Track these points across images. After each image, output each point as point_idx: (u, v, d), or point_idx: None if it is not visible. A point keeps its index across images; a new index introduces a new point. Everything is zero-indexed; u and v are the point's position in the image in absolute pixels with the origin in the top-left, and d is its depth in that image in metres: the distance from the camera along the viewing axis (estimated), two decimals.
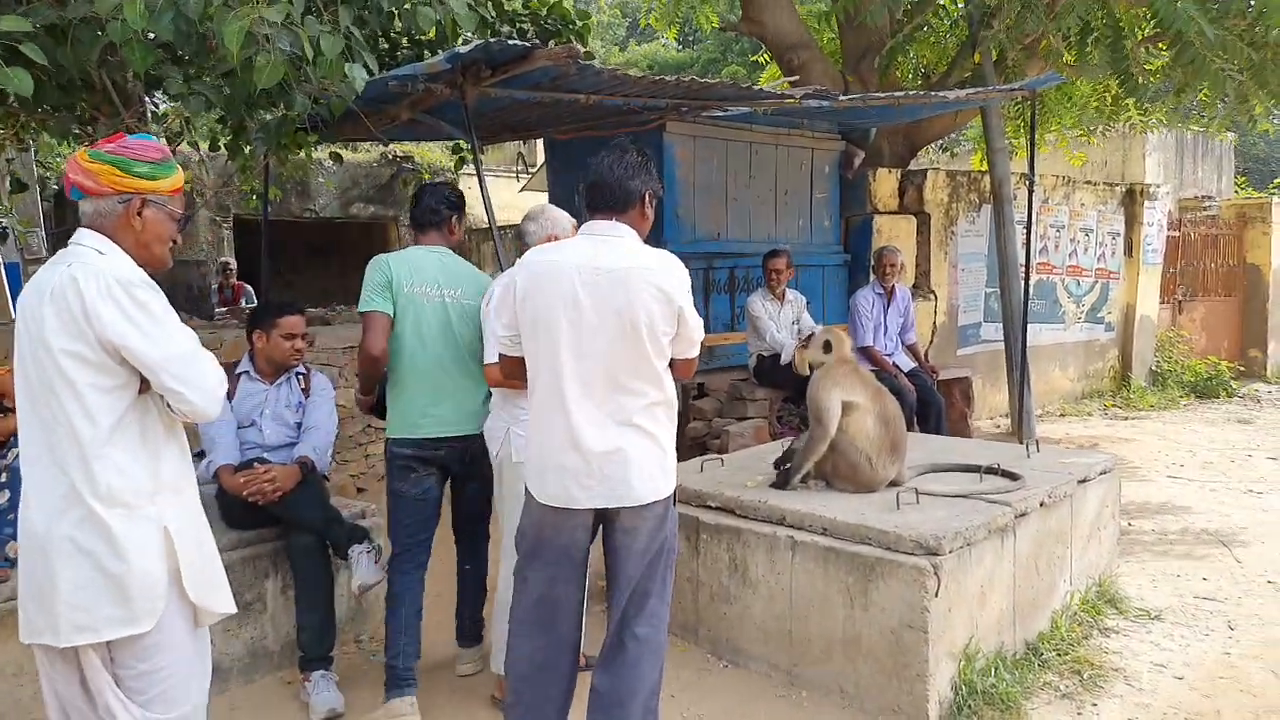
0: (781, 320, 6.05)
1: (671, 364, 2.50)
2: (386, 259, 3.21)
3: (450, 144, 6.94)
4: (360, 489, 5.69)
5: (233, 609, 2.18)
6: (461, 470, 3.27)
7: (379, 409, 3.32)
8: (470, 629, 3.45)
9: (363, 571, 3.20)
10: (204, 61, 3.78)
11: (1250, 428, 8.57)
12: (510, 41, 3.87)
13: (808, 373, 3.70)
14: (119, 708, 2.00)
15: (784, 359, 5.76)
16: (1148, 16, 6.67)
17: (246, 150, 5.06)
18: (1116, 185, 10.40)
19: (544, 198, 7.35)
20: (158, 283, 2.01)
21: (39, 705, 2.11)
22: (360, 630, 3.77)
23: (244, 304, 8.80)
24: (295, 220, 10.99)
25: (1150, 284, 10.62)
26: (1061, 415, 9.22)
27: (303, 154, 5.41)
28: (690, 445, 6.15)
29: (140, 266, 2.01)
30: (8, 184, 5.97)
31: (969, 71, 7.86)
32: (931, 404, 6.08)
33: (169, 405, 1.99)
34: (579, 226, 2.63)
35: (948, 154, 14.28)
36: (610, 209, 2.49)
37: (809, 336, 3.78)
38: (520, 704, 2.51)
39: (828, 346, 3.64)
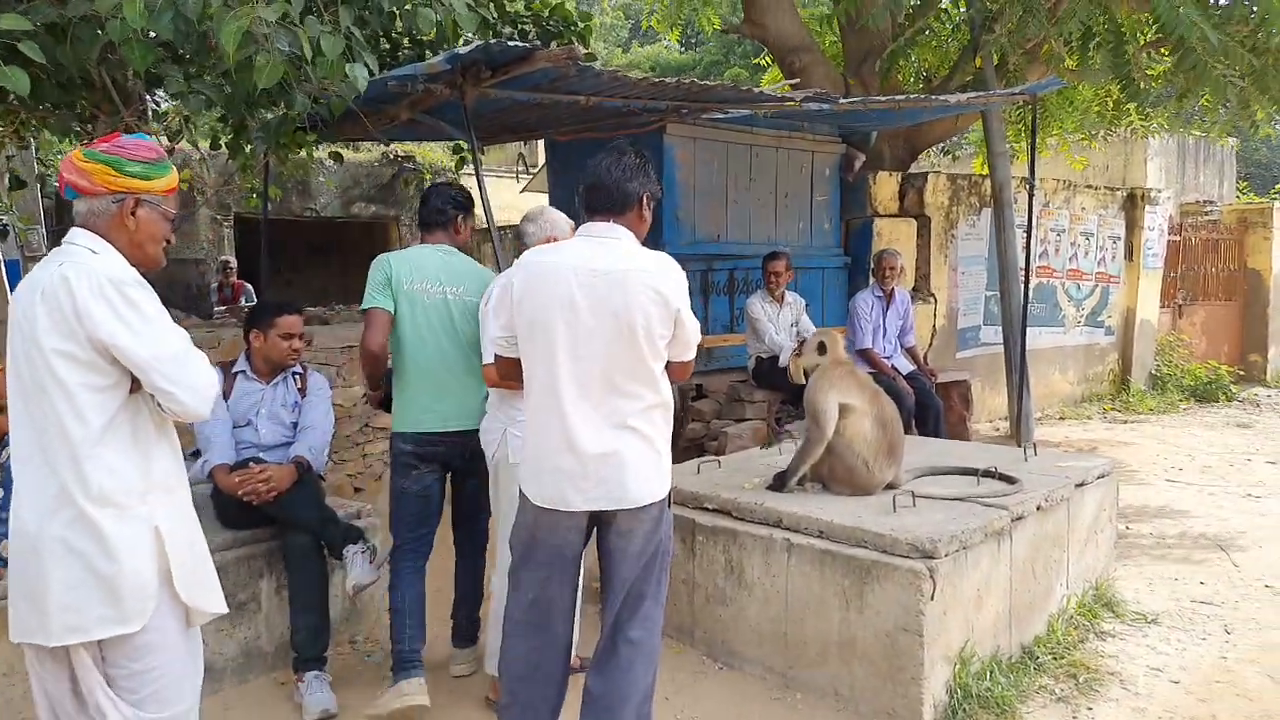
0: (780, 322, 6.05)
1: (667, 366, 2.50)
2: (389, 257, 3.27)
3: (452, 144, 6.94)
4: (357, 489, 5.69)
5: (224, 609, 2.18)
6: (462, 465, 3.30)
7: (387, 404, 3.37)
8: (466, 629, 3.45)
9: (358, 572, 3.20)
10: (204, 60, 3.78)
11: (1249, 432, 8.57)
12: (510, 43, 3.87)
13: (803, 380, 3.69)
14: (109, 707, 1.99)
15: (782, 361, 5.76)
16: (1149, 21, 6.67)
17: (247, 149, 5.06)
18: (1117, 189, 10.40)
19: (545, 199, 7.36)
20: (154, 281, 2.01)
21: (30, 705, 2.11)
22: (355, 631, 3.77)
23: (244, 302, 8.81)
24: (296, 219, 10.99)
25: (1150, 288, 10.62)
26: (1061, 418, 9.21)
27: (303, 153, 5.41)
28: (688, 446, 6.16)
29: (133, 266, 2.01)
30: (7, 181, 5.97)
31: (970, 75, 7.86)
32: (930, 407, 6.07)
33: (160, 405, 1.99)
34: (578, 228, 2.63)
35: (949, 157, 14.28)
36: (608, 211, 2.49)
37: (802, 342, 3.77)
38: (514, 705, 2.50)
39: (822, 348, 3.64)
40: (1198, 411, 9.78)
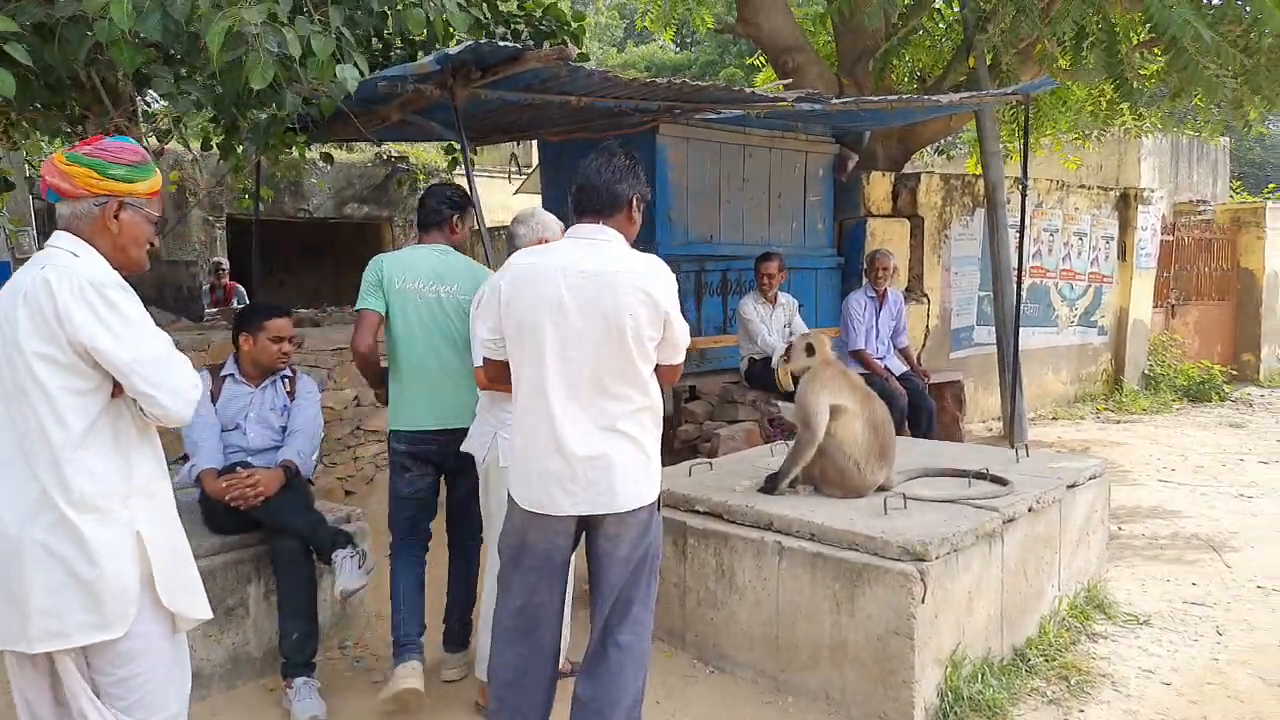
0: (773, 324, 6.04)
1: (657, 369, 2.48)
2: (382, 258, 3.33)
3: (445, 145, 6.92)
4: (349, 491, 5.67)
5: (208, 615, 2.16)
6: (455, 465, 3.30)
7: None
8: (457, 634, 3.43)
9: (346, 576, 3.18)
10: (194, 61, 3.76)
11: (1242, 432, 8.58)
12: (500, 43, 3.86)
13: (791, 387, 3.68)
14: (93, 713, 1.98)
15: (774, 363, 5.75)
16: (1143, 21, 6.67)
17: (239, 150, 5.04)
18: (1110, 189, 10.41)
19: (539, 200, 7.35)
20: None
21: (12, 713, 2.09)
22: (344, 636, 3.74)
23: (236, 304, 8.78)
24: (289, 220, 10.97)
25: (1144, 288, 10.63)
26: (1054, 418, 9.22)
27: (294, 154, 5.39)
28: (681, 448, 6.14)
29: (117, 269, 2.00)
30: None
31: (964, 75, 7.87)
32: (923, 407, 6.06)
33: (141, 409, 1.97)
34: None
35: (944, 156, 14.31)
36: (597, 213, 2.48)
37: (789, 348, 3.75)
38: (503, 711, 2.49)
39: (810, 350, 3.63)
40: (1191, 411, 9.79)
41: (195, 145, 5.59)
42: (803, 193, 7.46)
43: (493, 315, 2.50)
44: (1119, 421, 9.16)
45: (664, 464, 2.52)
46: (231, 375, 3.54)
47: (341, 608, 3.65)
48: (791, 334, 6.00)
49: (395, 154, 11.57)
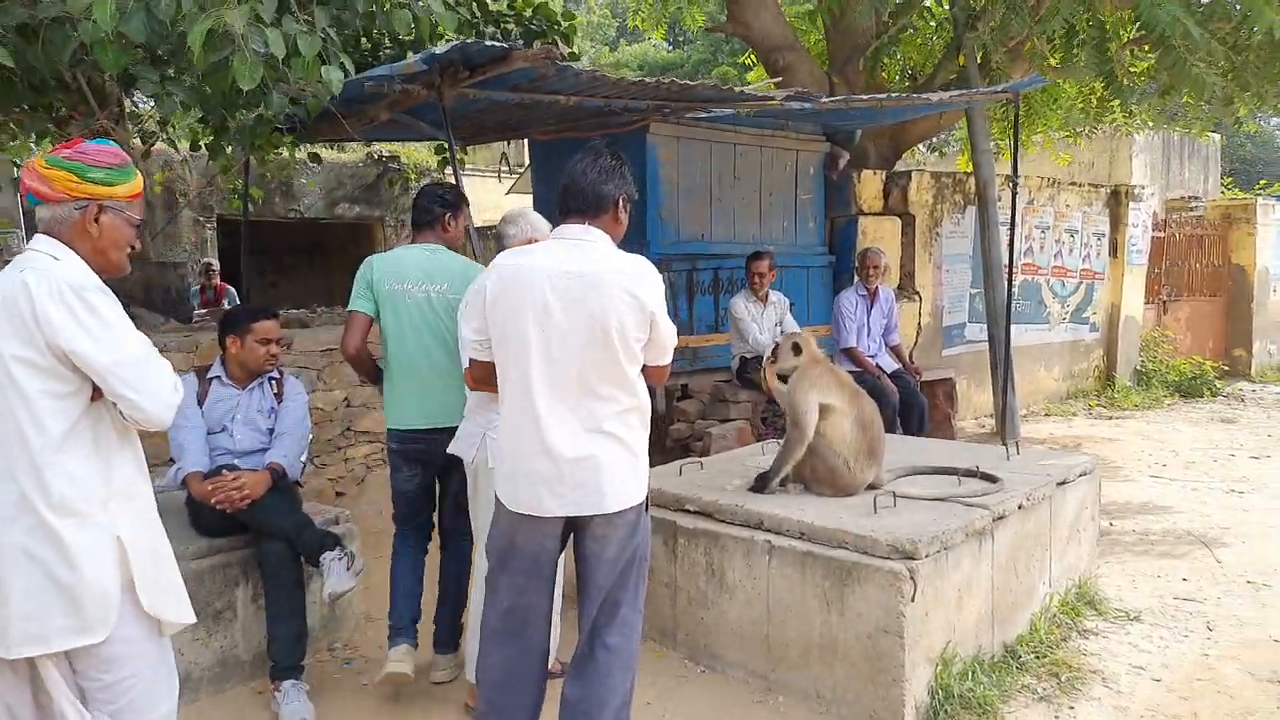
0: (764, 322, 6.04)
1: (644, 370, 2.47)
2: (373, 259, 3.36)
3: (436, 144, 6.90)
4: (339, 493, 5.64)
5: (191, 619, 2.15)
6: (446, 464, 3.30)
7: None
8: (447, 635, 3.42)
9: (335, 579, 3.17)
10: (181, 62, 3.75)
11: (1234, 427, 8.61)
12: (487, 43, 3.85)
13: (774, 388, 3.68)
14: (74, 715, 1.97)
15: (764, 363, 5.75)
16: (1132, 19, 6.68)
17: (228, 150, 5.03)
18: (1102, 186, 10.43)
19: (530, 199, 7.33)
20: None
21: None
22: (333, 639, 3.73)
23: (227, 305, 8.74)
24: (280, 221, 10.92)
25: (1135, 284, 10.66)
26: (1046, 415, 9.24)
27: (284, 154, 5.37)
28: (673, 447, 6.14)
29: (98, 272, 1.99)
30: None
31: (954, 73, 7.87)
32: (914, 405, 6.07)
33: (121, 413, 1.96)
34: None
35: (936, 154, 14.32)
36: (583, 213, 2.46)
37: (774, 350, 3.74)
38: (492, 712, 2.48)
39: (797, 349, 3.63)
40: (1182, 407, 9.82)
41: (184, 146, 5.57)
42: (794, 191, 7.46)
43: (478, 316, 2.49)
44: (1111, 418, 9.18)
45: (655, 463, 2.52)
46: (219, 377, 3.52)
47: (330, 610, 3.64)
48: (783, 332, 6.00)
49: (386, 154, 11.54)
